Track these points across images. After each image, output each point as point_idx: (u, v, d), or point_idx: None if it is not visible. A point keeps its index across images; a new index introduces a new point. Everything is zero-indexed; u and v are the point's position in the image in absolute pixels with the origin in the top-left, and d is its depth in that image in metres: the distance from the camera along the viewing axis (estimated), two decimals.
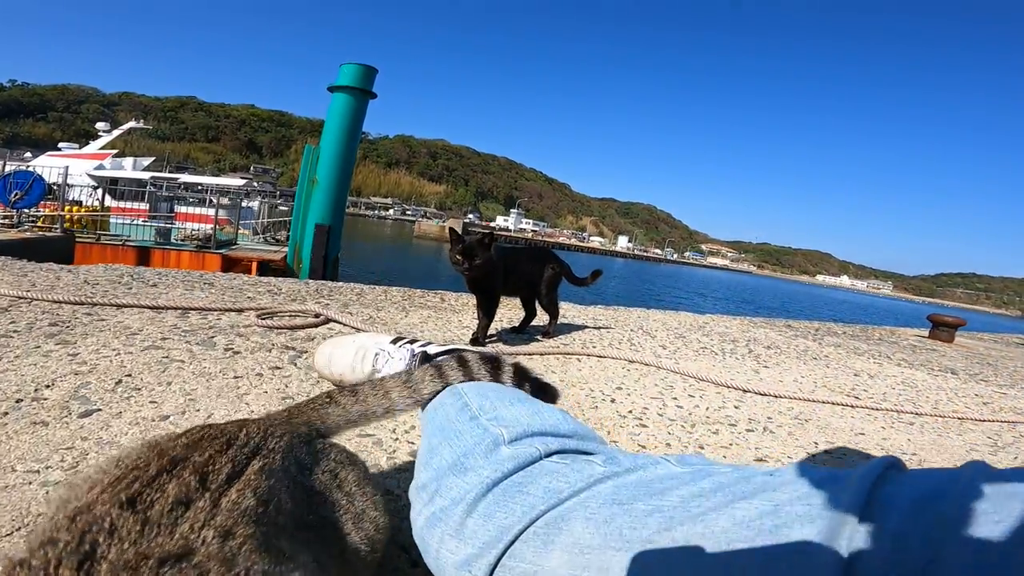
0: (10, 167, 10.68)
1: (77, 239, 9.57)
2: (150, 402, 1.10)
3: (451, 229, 1.89)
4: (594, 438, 0.53)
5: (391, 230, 70.70)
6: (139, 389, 1.15)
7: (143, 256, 9.75)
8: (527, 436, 0.49)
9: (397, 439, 1.09)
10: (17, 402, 1.04)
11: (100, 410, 1.04)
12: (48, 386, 1.12)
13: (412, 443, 1.08)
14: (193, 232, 11.00)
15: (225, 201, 13.34)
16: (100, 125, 20.53)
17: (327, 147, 10.66)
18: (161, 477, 0.40)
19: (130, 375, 1.22)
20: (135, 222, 11.19)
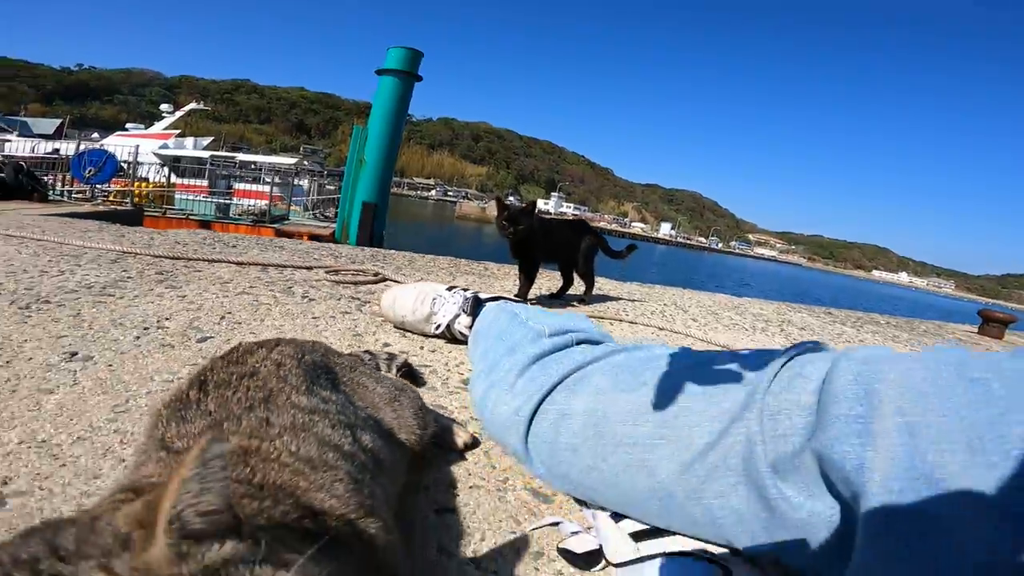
0: (84, 146, 11.53)
1: (145, 212, 10.30)
2: (250, 333, 1.33)
3: (498, 198, 2.08)
4: (611, 339, 0.69)
5: (432, 210, 71.83)
6: (239, 323, 1.38)
7: (204, 228, 10.41)
8: (562, 332, 0.66)
9: (449, 370, 1.28)
10: (144, 329, 1.28)
11: (213, 337, 1.27)
12: (167, 319, 1.36)
13: (461, 373, 1.27)
14: (249, 208, 11.63)
15: (277, 179, 14.00)
16: (164, 107, 21.73)
17: (374, 128, 11.01)
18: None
19: (230, 312, 1.45)
20: (196, 198, 11.92)
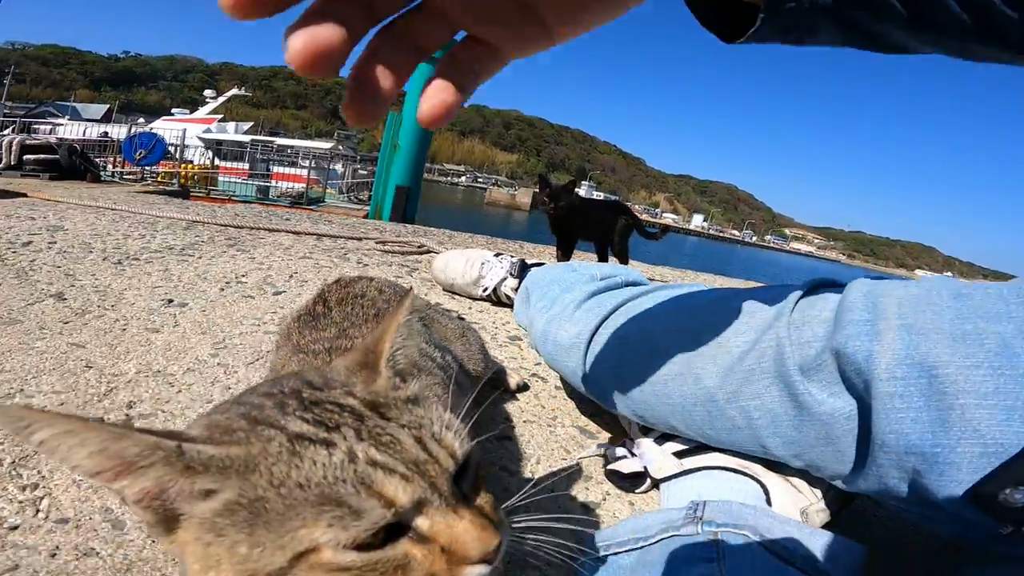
0: (135, 130, 12.06)
1: (191, 193, 10.75)
2: (316, 289, 1.46)
3: (540, 176, 2.17)
4: (659, 284, 0.78)
5: (463, 196, 72.22)
6: (306, 281, 1.52)
7: None
8: (613, 276, 0.75)
9: (496, 328, 1.38)
10: (226, 284, 1.43)
11: (285, 292, 1.41)
12: (244, 276, 1.51)
13: (508, 331, 1.37)
14: (287, 190, 12.00)
15: (313, 163, 14.37)
16: (208, 92, 22.50)
17: (409, 114, 11.23)
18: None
19: (296, 273, 1.59)
20: (238, 180, 12.36)
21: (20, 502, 0.58)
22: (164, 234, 1.94)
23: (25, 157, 5.91)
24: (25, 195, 2.73)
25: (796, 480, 0.66)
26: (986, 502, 0.42)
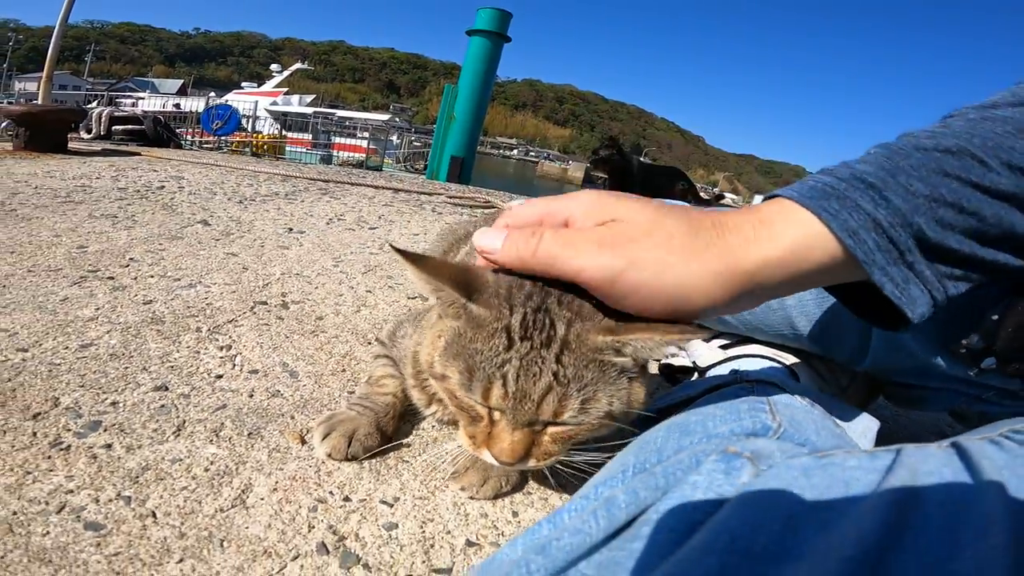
0: (211, 102, 12.83)
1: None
2: (403, 227, 1.69)
3: (610, 136, 2.30)
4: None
5: (515, 169, 71.94)
6: (392, 222, 1.75)
7: None
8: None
9: None
10: (330, 220, 1.67)
11: (377, 228, 1.64)
12: (342, 215, 1.75)
13: None
14: (348, 159, 12.50)
15: (371, 134, 14.85)
16: (274, 67, 23.47)
17: (464, 86, 11.37)
18: None
19: (383, 215, 1.82)
20: (303, 150, 12.98)
21: (220, 359, 0.78)
22: (267, 184, 2.22)
23: (114, 128, 6.53)
24: (139, 153, 3.12)
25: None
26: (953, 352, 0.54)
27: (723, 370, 0.81)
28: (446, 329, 0.45)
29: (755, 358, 0.83)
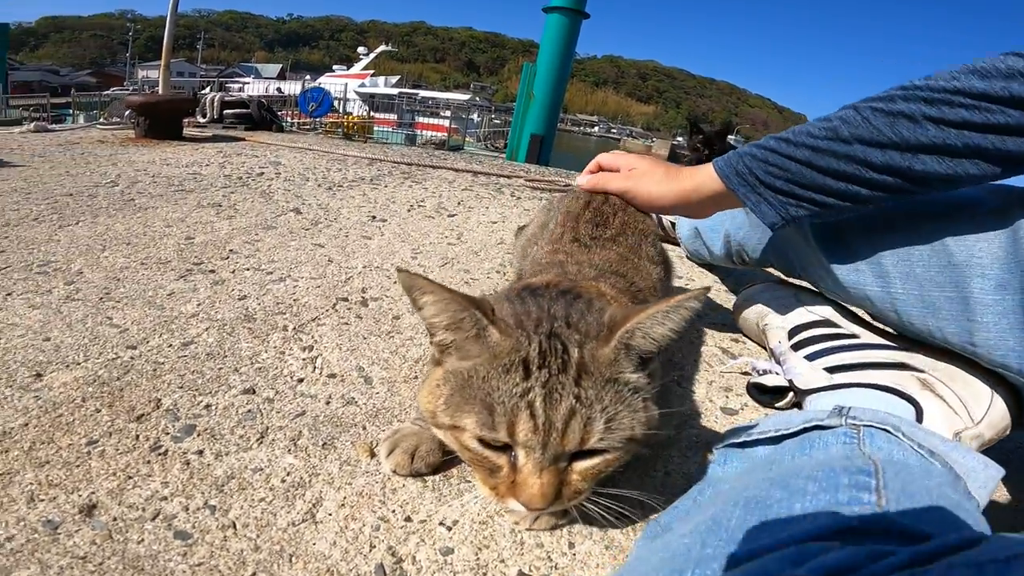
0: (307, 85, 13.56)
1: (352, 141, 11.95)
2: (481, 214, 1.66)
3: (691, 120, 2.14)
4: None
5: (596, 146, 70.33)
6: (471, 208, 1.72)
7: None
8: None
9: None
10: (411, 207, 1.68)
11: (456, 215, 1.63)
12: (422, 201, 1.76)
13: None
14: (430, 138, 12.77)
15: (452, 113, 15.05)
16: (360, 50, 24.33)
17: (543, 64, 11.23)
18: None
19: (462, 200, 1.81)
20: (389, 129, 13.44)
21: (303, 360, 0.78)
22: (354, 168, 2.29)
23: (225, 112, 7.10)
24: (244, 139, 3.34)
25: (954, 402, 0.65)
26: None
27: (828, 401, 0.68)
28: (450, 374, 0.43)
29: (870, 389, 0.68)
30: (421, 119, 15.32)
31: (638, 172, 0.81)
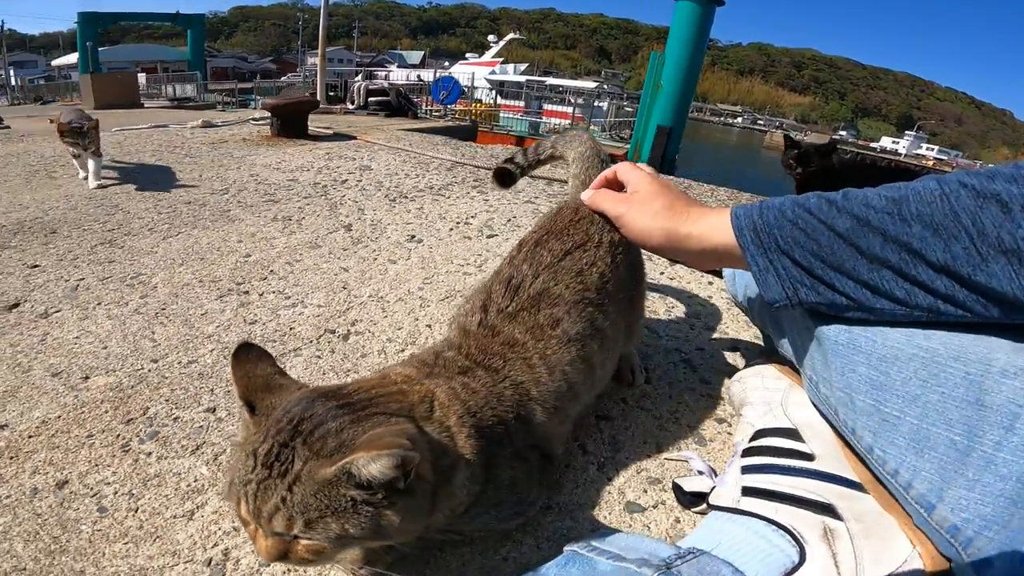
0: (439, 74, 14.26)
1: (479, 128, 12.36)
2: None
3: (785, 135, 1.89)
4: None
5: (738, 138, 65.00)
6: (518, 227, 1.71)
7: (519, 142, 11.95)
8: None
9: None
10: (457, 224, 1.71)
11: (496, 236, 1.63)
12: (473, 217, 1.78)
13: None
14: (555, 126, 12.78)
15: (580, 101, 14.85)
16: (491, 38, 24.93)
17: (672, 54, 10.66)
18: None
19: (514, 216, 1.80)
20: (515, 116, 13.70)
21: None
22: (432, 174, 2.39)
23: (369, 99, 7.74)
24: (356, 137, 3.63)
25: (846, 560, 0.51)
26: None
27: (713, 526, 0.60)
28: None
29: (765, 523, 0.57)
30: (548, 106, 15.36)
31: (638, 197, 0.65)
